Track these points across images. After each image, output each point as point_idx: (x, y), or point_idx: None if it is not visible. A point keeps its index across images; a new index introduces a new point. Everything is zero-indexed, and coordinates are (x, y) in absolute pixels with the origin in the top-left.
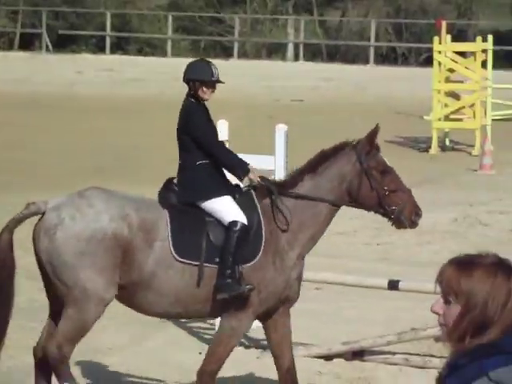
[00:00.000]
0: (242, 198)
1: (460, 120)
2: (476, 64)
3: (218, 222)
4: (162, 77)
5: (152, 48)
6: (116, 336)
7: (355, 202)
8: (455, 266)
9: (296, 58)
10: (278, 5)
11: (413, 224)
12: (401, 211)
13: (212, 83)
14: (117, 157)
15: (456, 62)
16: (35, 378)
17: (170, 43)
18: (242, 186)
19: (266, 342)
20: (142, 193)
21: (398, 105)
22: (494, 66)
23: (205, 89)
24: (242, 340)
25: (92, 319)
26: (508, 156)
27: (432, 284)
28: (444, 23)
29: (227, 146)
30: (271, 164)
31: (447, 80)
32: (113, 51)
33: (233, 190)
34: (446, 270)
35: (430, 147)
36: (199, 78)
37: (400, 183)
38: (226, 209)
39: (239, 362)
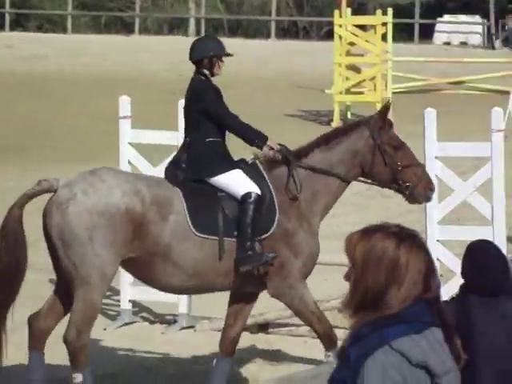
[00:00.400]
0: (250, 170)
1: (361, 93)
2: (376, 37)
3: (231, 196)
4: (62, 53)
5: (52, 24)
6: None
7: (368, 177)
8: (358, 235)
9: (198, 33)
10: None
11: (427, 199)
12: (415, 187)
13: (225, 56)
14: (23, 133)
15: (356, 36)
16: (29, 349)
17: (70, 19)
18: (247, 159)
19: (170, 317)
20: (56, 170)
21: (299, 79)
22: (394, 39)
23: (220, 63)
24: (148, 315)
25: (99, 295)
26: (409, 128)
27: (335, 257)
28: None
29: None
30: (175, 140)
31: (348, 53)
32: (12, 28)
33: (240, 164)
34: (349, 239)
35: (332, 120)
36: (216, 53)
37: (413, 158)
38: (237, 182)
39: (145, 337)
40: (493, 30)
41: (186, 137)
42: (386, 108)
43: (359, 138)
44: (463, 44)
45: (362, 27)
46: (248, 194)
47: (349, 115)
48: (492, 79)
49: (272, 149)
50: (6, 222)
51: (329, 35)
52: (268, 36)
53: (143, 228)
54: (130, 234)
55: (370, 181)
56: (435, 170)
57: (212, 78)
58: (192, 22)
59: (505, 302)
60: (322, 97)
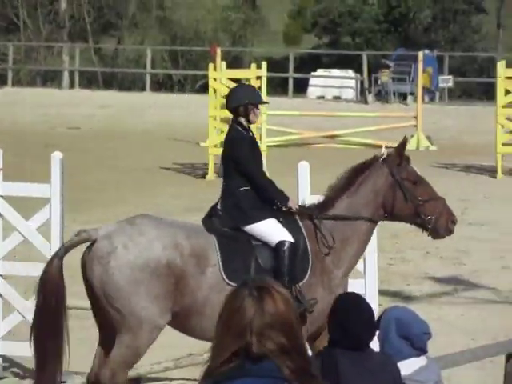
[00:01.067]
0: (286, 220)
1: None
2: None
3: (265, 244)
4: None
5: None
6: None
7: (391, 214)
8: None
9: (72, 85)
10: (52, 32)
11: (449, 232)
12: (437, 220)
13: (261, 104)
14: None
15: None
16: None
17: None
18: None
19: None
20: None
21: (174, 132)
22: (269, 93)
23: (256, 111)
24: (18, 370)
25: (146, 345)
26: (282, 181)
27: None
28: (219, 50)
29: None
30: (47, 192)
31: (223, 106)
32: None
33: (276, 213)
34: None
35: (207, 173)
36: (252, 101)
37: (433, 192)
38: (271, 231)
39: None
40: (366, 85)
41: (223, 184)
42: (403, 144)
43: (379, 177)
44: (337, 98)
45: (237, 80)
46: (282, 243)
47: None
48: (365, 133)
49: (291, 209)
50: (45, 274)
51: (204, 88)
52: (143, 89)
53: (183, 281)
54: (172, 288)
55: (392, 218)
56: None
57: (250, 126)
58: (66, 75)
59: (371, 355)
60: (197, 150)
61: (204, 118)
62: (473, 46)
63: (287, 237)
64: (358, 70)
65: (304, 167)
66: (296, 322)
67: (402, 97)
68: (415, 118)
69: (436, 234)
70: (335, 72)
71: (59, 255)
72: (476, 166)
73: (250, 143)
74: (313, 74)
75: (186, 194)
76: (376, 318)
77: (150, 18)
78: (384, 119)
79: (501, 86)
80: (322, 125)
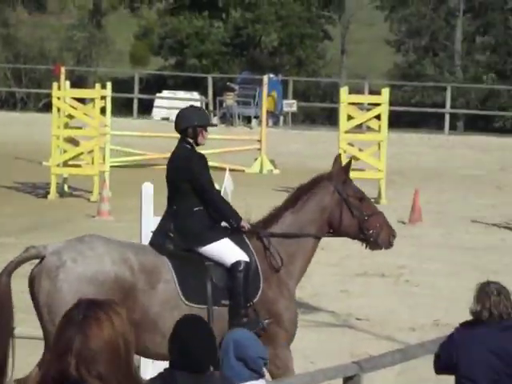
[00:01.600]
0: (236, 239)
1: (79, 166)
2: (95, 110)
3: (218, 264)
4: None
5: None
6: None
7: (336, 231)
8: None
9: None
10: None
11: (390, 245)
12: (378, 234)
13: (209, 126)
14: None
15: (75, 108)
16: None
17: None
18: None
19: None
20: None
21: (16, 150)
22: (113, 113)
23: (204, 133)
24: None
25: None
26: (125, 202)
27: None
28: (63, 69)
29: None
30: None
31: (66, 126)
32: None
33: (227, 233)
34: None
35: (48, 193)
36: (200, 123)
37: (374, 207)
38: (226, 251)
39: None
40: (211, 107)
41: (171, 205)
42: (349, 163)
43: (326, 194)
44: None
45: (82, 100)
46: (238, 263)
47: (66, 188)
48: (210, 155)
49: (243, 228)
50: None
51: (47, 107)
52: None
53: (132, 296)
54: (119, 302)
55: (337, 234)
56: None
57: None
58: None
59: (212, 377)
60: (40, 169)
61: (47, 136)
62: (317, 71)
63: (242, 256)
64: (204, 93)
65: (148, 188)
66: (125, 349)
67: (247, 120)
68: (259, 141)
69: (376, 246)
70: (180, 94)
71: (7, 271)
72: None
73: (202, 161)
74: (158, 95)
75: (25, 213)
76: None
77: None
78: (228, 142)
79: (343, 111)
80: (167, 146)
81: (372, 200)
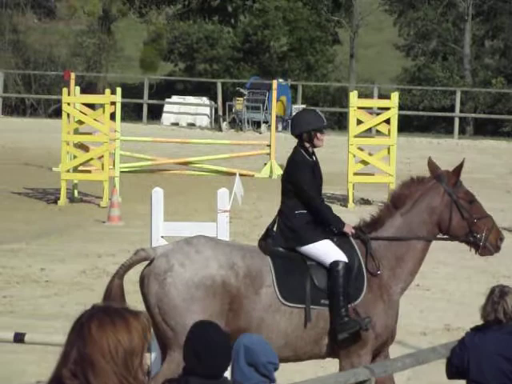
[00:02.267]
0: (340, 241)
1: (89, 171)
2: (105, 116)
3: (320, 264)
4: None
5: None
6: None
7: (446, 233)
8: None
9: None
10: None
11: (498, 249)
12: (487, 238)
13: (323, 129)
14: None
15: (85, 114)
16: None
17: None
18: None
19: None
20: None
21: (26, 156)
22: (123, 119)
23: (319, 136)
24: None
25: None
26: (135, 207)
27: (58, 336)
28: (73, 75)
29: None
30: None
31: (76, 131)
32: None
33: (330, 235)
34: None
35: (58, 199)
36: (316, 127)
37: (483, 210)
38: (326, 251)
39: None
40: (220, 112)
41: (281, 204)
42: (460, 165)
43: (435, 196)
44: (191, 125)
45: (91, 106)
46: (336, 263)
47: (76, 193)
48: (219, 160)
49: (347, 233)
50: (107, 293)
51: (57, 113)
52: None
53: (237, 302)
54: (226, 307)
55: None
56: None
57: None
58: None
59: (225, 383)
60: (50, 174)
61: (57, 142)
62: (326, 76)
63: (341, 257)
64: (213, 98)
65: (158, 193)
66: (125, 358)
67: (256, 125)
68: (269, 146)
69: (487, 251)
70: (190, 99)
71: (119, 274)
72: (328, 195)
73: (311, 168)
74: (167, 100)
75: (37, 219)
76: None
77: (2, 41)
78: (238, 147)
79: (353, 115)
80: (176, 151)
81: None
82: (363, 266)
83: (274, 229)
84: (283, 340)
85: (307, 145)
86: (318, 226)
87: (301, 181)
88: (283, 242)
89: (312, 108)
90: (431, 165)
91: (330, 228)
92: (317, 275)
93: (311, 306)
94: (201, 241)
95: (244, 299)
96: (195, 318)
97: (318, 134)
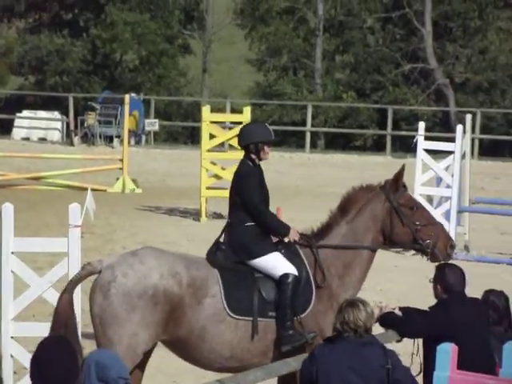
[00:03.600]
0: (289, 252)
1: None
2: None
3: (268, 277)
4: None
5: None
6: None
7: (390, 241)
8: None
9: None
10: None
11: (447, 256)
12: (435, 244)
13: (270, 141)
14: None
15: None
16: None
17: None
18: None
19: None
20: None
21: None
22: None
23: (266, 148)
24: None
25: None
26: None
27: None
28: None
29: None
30: None
31: None
32: None
33: (278, 246)
34: None
35: None
36: (263, 139)
37: (430, 217)
38: (275, 264)
39: None
40: (72, 127)
41: (228, 217)
42: (400, 172)
43: (377, 203)
44: (42, 140)
45: None
46: (286, 275)
47: None
48: (71, 175)
49: (293, 239)
50: (57, 310)
51: None
52: None
53: (179, 311)
54: (166, 316)
55: (391, 244)
56: (11, 265)
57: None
58: None
59: None
60: None
61: None
62: (179, 90)
63: (291, 269)
64: (65, 112)
65: (8, 209)
66: None
67: (109, 139)
68: (121, 160)
69: (434, 257)
70: (41, 113)
71: (68, 289)
72: (180, 209)
73: (257, 177)
74: (18, 114)
75: None
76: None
77: None
78: (90, 162)
79: (205, 130)
80: (27, 166)
81: None
82: (311, 277)
83: (222, 241)
84: (229, 351)
85: (253, 156)
86: (266, 238)
87: (247, 192)
88: (232, 255)
89: (260, 121)
90: (397, 173)
91: (277, 234)
92: (265, 287)
93: (259, 319)
94: (146, 251)
95: (186, 308)
96: (133, 327)
97: (265, 147)
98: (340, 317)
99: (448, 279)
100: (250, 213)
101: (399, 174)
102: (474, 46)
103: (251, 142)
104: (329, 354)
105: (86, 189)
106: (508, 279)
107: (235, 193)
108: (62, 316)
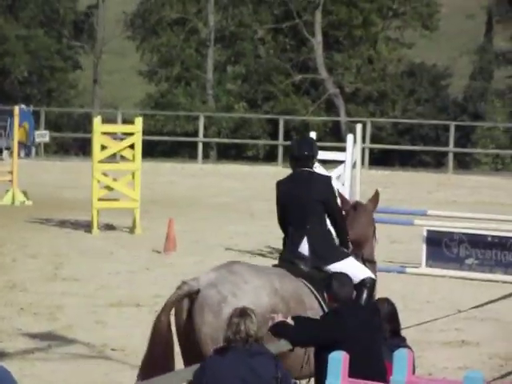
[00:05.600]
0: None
1: None
2: None
3: None
4: None
5: None
6: None
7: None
8: None
9: None
10: None
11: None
12: None
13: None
14: None
15: None
16: None
17: None
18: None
19: None
20: None
21: None
22: None
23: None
24: None
25: None
26: None
27: None
28: None
29: None
30: None
31: None
32: None
33: (348, 253)
34: None
35: None
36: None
37: None
38: (355, 267)
39: None
40: None
41: (301, 226)
42: (377, 194)
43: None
44: None
45: None
46: (366, 279)
47: None
48: None
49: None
50: (155, 330)
51: None
52: None
53: None
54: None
55: None
56: None
57: None
58: None
59: None
60: None
61: None
62: (69, 101)
63: (370, 273)
64: None
65: None
66: None
67: None
68: (11, 172)
69: None
70: None
71: (165, 311)
72: (71, 221)
73: (331, 183)
74: None
75: None
76: None
77: None
78: None
79: (97, 141)
80: None
81: (126, 230)
82: None
83: (301, 251)
84: None
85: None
86: (339, 243)
87: (334, 199)
88: (316, 260)
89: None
90: (376, 196)
91: (345, 246)
92: None
93: None
94: (243, 268)
95: None
96: None
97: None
98: (232, 326)
99: (333, 288)
100: (336, 219)
101: (377, 196)
102: (362, 56)
103: (316, 154)
104: (219, 364)
105: None
106: (398, 287)
107: (318, 199)
108: (161, 337)
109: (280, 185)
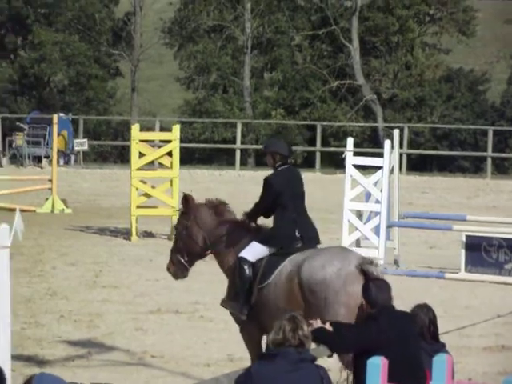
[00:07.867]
0: None
1: None
2: None
3: None
4: None
5: None
6: None
7: None
8: None
9: None
10: None
11: None
12: None
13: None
14: None
15: None
16: None
17: None
18: None
19: None
20: None
21: None
22: None
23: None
24: None
25: None
26: None
27: None
28: None
29: None
30: None
31: None
32: None
33: None
34: None
35: None
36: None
37: None
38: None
39: None
40: (0, 148)
41: (294, 213)
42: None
43: None
44: None
45: None
46: None
47: None
48: (0, 196)
49: None
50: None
51: None
52: None
53: None
54: None
55: None
56: None
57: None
58: None
59: None
60: None
61: None
62: (108, 110)
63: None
64: None
65: None
66: None
67: (37, 160)
68: (50, 180)
69: None
70: None
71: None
72: (110, 229)
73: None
74: None
75: None
76: None
77: None
78: (19, 182)
79: (135, 148)
80: None
81: (165, 237)
82: None
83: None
84: None
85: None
86: None
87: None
88: (312, 241)
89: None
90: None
91: None
92: None
93: None
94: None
95: None
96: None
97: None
98: (282, 331)
99: (371, 294)
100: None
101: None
102: (399, 61)
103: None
104: (265, 371)
105: (14, 209)
106: (437, 292)
107: (303, 191)
108: None
109: (274, 178)
